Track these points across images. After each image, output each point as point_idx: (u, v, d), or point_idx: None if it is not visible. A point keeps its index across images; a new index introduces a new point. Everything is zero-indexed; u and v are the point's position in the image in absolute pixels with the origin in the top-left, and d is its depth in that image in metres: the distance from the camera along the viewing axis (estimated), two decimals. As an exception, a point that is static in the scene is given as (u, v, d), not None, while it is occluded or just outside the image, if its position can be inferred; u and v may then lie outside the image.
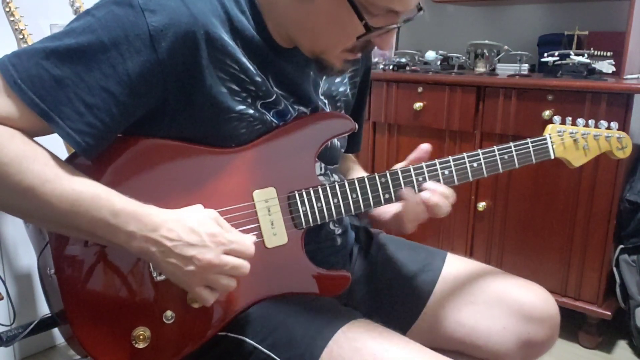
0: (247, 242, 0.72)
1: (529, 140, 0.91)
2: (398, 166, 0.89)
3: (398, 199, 0.85)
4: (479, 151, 0.88)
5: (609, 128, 0.96)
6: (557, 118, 0.94)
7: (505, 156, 0.89)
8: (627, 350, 1.81)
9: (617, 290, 1.77)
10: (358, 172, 1.07)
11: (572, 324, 1.83)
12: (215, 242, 0.69)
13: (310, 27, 0.75)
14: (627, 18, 1.76)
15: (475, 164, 0.88)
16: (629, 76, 1.77)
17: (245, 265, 0.71)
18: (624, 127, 1.60)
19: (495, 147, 0.89)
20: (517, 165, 0.89)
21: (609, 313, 1.73)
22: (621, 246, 1.75)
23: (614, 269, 1.76)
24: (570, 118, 0.95)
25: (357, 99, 1.01)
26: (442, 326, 0.93)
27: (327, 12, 0.72)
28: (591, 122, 0.95)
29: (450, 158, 0.87)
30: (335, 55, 0.78)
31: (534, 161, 0.91)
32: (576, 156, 0.94)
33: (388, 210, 0.91)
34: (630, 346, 1.82)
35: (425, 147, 0.89)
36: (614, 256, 1.76)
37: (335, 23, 0.73)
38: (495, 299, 0.92)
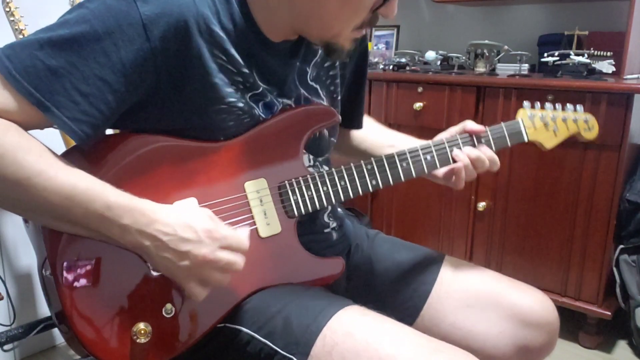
0: (242, 236, 0.73)
1: (502, 124, 0.95)
2: (439, 136, 0.94)
3: (448, 162, 0.91)
4: (458, 137, 0.92)
5: (575, 111, 0.99)
6: (526, 103, 0.98)
7: (482, 140, 0.93)
8: (627, 350, 1.81)
9: (617, 290, 1.77)
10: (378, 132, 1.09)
11: (572, 324, 1.84)
12: (211, 237, 0.69)
13: (319, 15, 0.76)
14: (627, 18, 1.76)
15: (455, 149, 0.91)
16: (629, 76, 1.77)
17: (239, 261, 0.71)
18: (623, 126, 1.60)
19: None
20: (494, 149, 0.93)
21: (609, 313, 1.73)
22: (621, 246, 1.75)
23: (614, 269, 1.76)
24: (538, 102, 0.98)
25: (355, 77, 1.02)
26: (439, 329, 0.93)
27: None
28: (558, 105, 0.99)
29: (431, 143, 0.91)
30: (345, 37, 0.80)
31: (509, 144, 0.94)
32: (547, 137, 0.98)
33: (440, 171, 0.95)
34: (630, 346, 1.82)
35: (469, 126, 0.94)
36: (614, 256, 1.76)
37: (346, 5, 0.75)
38: (492, 303, 0.91)
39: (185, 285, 0.71)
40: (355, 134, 1.09)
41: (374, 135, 1.08)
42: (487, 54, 2.08)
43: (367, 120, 1.12)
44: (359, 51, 1.00)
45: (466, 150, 0.91)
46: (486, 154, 0.91)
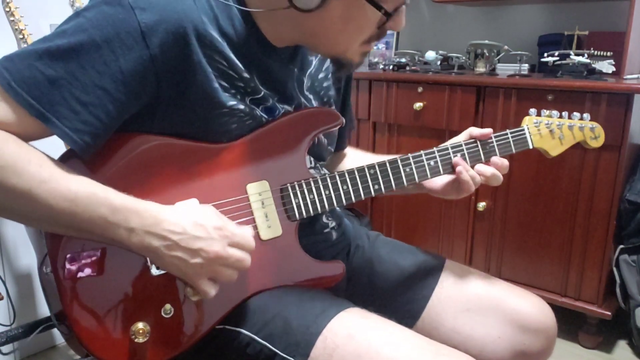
0: (249, 235, 0.73)
1: (508, 131, 0.95)
2: (450, 142, 0.93)
3: (451, 168, 0.90)
4: (462, 143, 0.92)
5: (581, 119, 0.99)
6: (532, 110, 0.98)
7: (487, 147, 0.93)
8: (627, 350, 1.81)
9: (617, 290, 1.77)
10: (359, 157, 1.08)
11: (572, 324, 1.83)
12: (221, 234, 0.70)
13: (325, 33, 0.76)
14: (627, 18, 1.76)
15: (458, 155, 0.91)
16: (629, 76, 1.77)
17: (247, 258, 0.72)
18: (623, 127, 1.60)
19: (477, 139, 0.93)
20: (498, 156, 0.93)
21: (609, 313, 1.73)
22: (621, 246, 1.75)
23: (614, 269, 1.76)
24: (545, 110, 0.98)
25: (342, 94, 1.02)
26: (438, 332, 0.93)
27: (341, 15, 0.73)
28: (565, 113, 0.99)
29: (435, 149, 0.91)
30: (354, 51, 0.79)
31: (514, 151, 0.95)
32: (552, 145, 0.98)
33: (439, 181, 0.94)
34: (630, 346, 1.82)
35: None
36: (614, 256, 1.76)
37: (351, 22, 0.75)
38: (491, 308, 0.92)
39: (196, 283, 0.71)
40: (336, 157, 1.09)
41: (356, 160, 1.08)
42: (487, 54, 2.08)
43: (350, 148, 1.12)
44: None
45: (479, 168, 0.90)
46: (495, 163, 0.91)
